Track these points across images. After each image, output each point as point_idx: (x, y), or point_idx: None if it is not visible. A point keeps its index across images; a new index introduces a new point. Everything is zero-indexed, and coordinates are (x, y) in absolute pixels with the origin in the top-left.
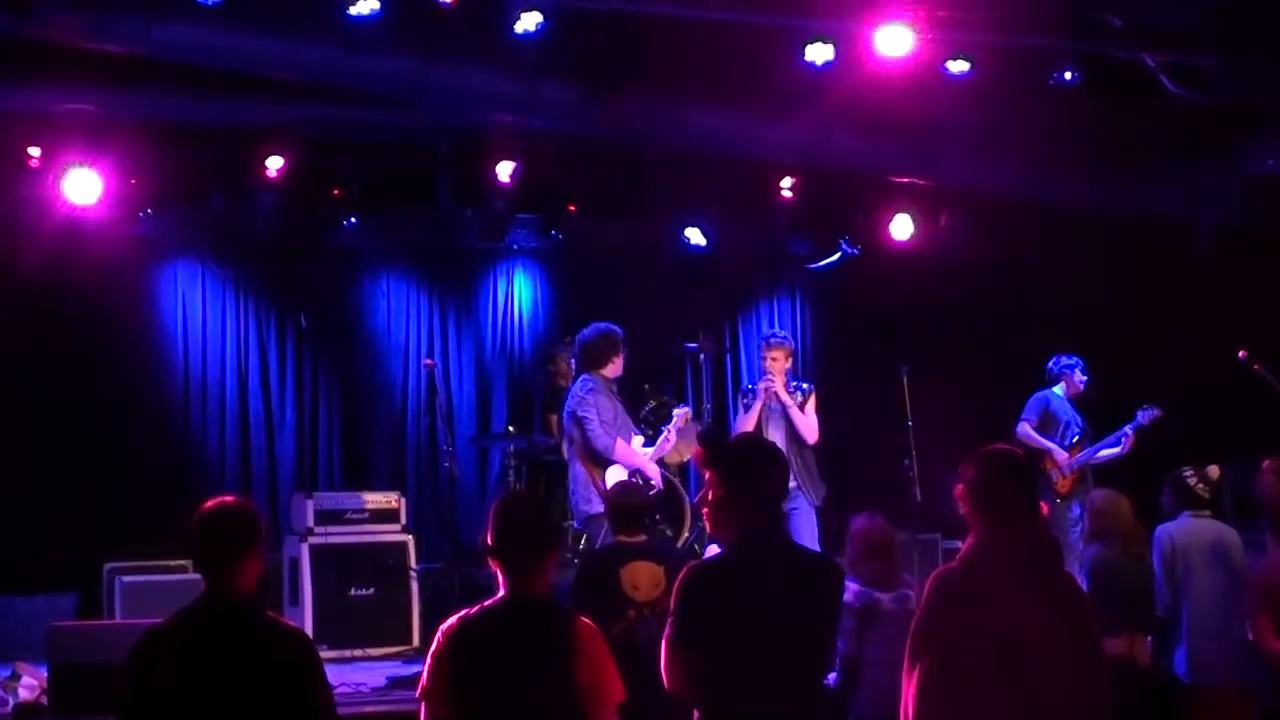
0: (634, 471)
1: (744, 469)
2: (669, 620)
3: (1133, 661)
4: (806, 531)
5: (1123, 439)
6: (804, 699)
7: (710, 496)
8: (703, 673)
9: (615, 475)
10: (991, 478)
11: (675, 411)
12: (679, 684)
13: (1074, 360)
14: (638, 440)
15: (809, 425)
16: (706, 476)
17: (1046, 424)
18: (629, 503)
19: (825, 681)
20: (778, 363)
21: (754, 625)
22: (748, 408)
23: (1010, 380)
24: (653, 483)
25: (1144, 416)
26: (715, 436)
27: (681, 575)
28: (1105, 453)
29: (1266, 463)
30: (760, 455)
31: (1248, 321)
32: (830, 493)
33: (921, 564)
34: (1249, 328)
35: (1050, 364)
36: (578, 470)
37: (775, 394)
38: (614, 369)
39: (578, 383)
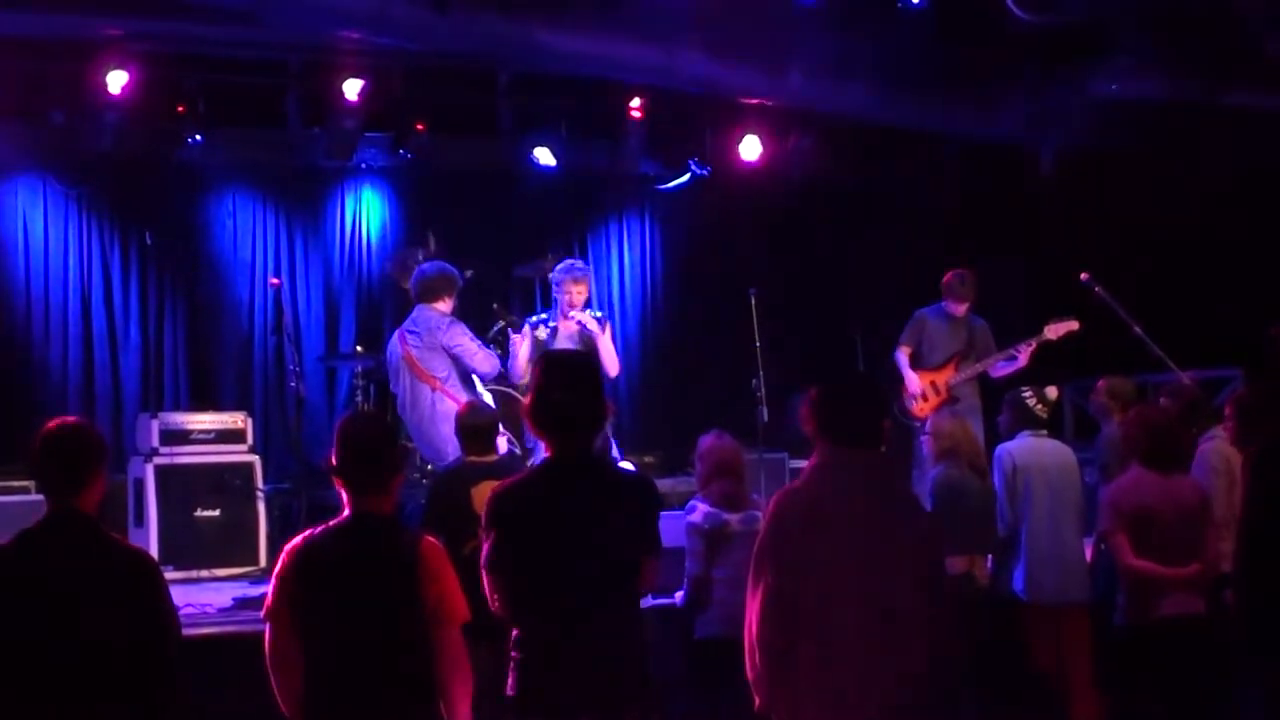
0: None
1: (542, 390)
2: (484, 549)
3: (972, 580)
4: None
5: (1016, 355)
6: (616, 618)
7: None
8: (515, 595)
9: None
10: (834, 399)
11: (514, 336)
12: (499, 608)
13: (956, 275)
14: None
15: (614, 356)
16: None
17: (923, 344)
18: (478, 422)
19: (673, 600)
20: (582, 295)
21: (559, 547)
22: (539, 339)
23: (857, 302)
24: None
25: (1052, 331)
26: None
27: (487, 501)
28: (1000, 366)
29: (1100, 383)
30: (555, 379)
31: (1090, 244)
32: (677, 414)
33: (768, 483)
34: (1091, 250)
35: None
36: (440, 407)
37: (583, 325)
38: (445, 306)
39: (424, 316)
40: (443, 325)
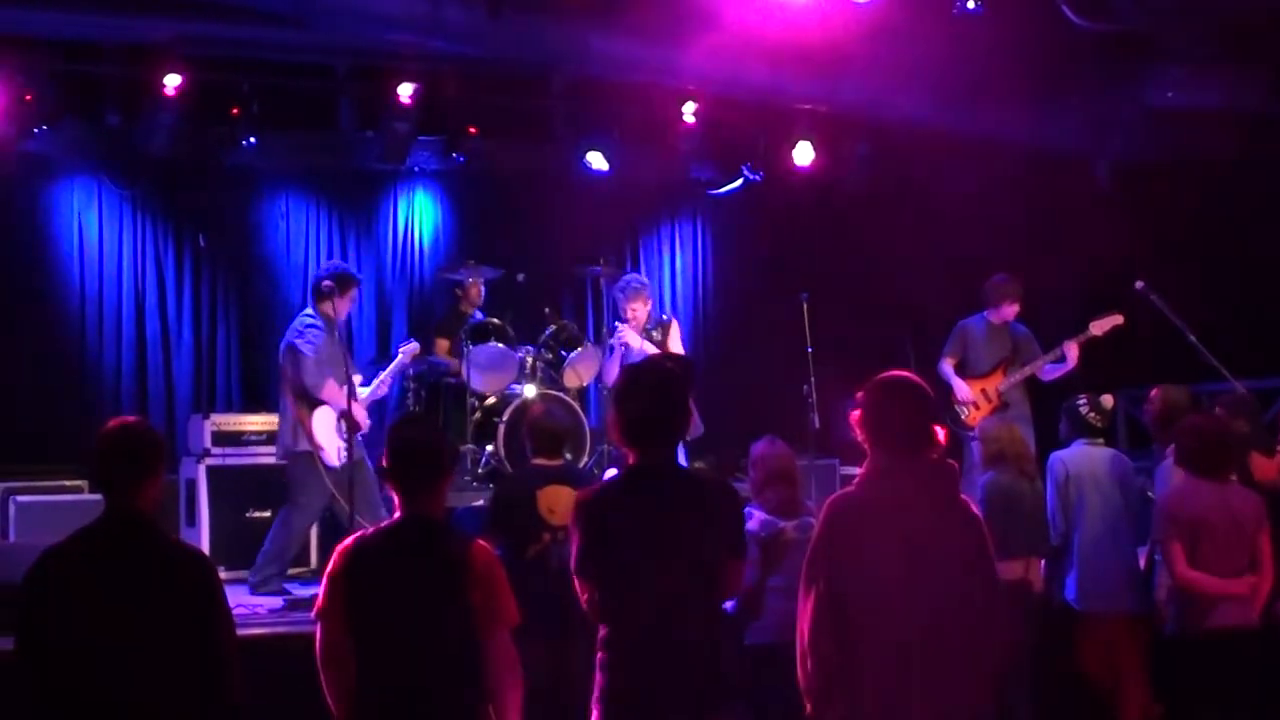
0: (343, 413)
1: (622, 402)
2: (572, 553)
3: (1027, 586)
4: None
5: (1065, 356)
6: (701, 619)
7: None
8: (603, 598)
9: (322, 416)
10: (885, 404)
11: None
12: (589, 609)
13: (999, 280)
14: (358, 381)
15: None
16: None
17: (968, 354)
18: (552, 428)
19: (724, 606)
20: (638, 314)
21: (646, 550)
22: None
23: (909, 309)
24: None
25: (1097, 328)
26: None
27: (572, 508)
28: (1049, 369)
29: (1155, 391)
30: (634, 391)
31: (1145, 252)
32: (730, 420)
33: (819, 490)
34: (1147, 258)
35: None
36: (285, 405)
37: (625, 343)
38: (335, 308)
39: (299, 317)
40: (300, 326)
